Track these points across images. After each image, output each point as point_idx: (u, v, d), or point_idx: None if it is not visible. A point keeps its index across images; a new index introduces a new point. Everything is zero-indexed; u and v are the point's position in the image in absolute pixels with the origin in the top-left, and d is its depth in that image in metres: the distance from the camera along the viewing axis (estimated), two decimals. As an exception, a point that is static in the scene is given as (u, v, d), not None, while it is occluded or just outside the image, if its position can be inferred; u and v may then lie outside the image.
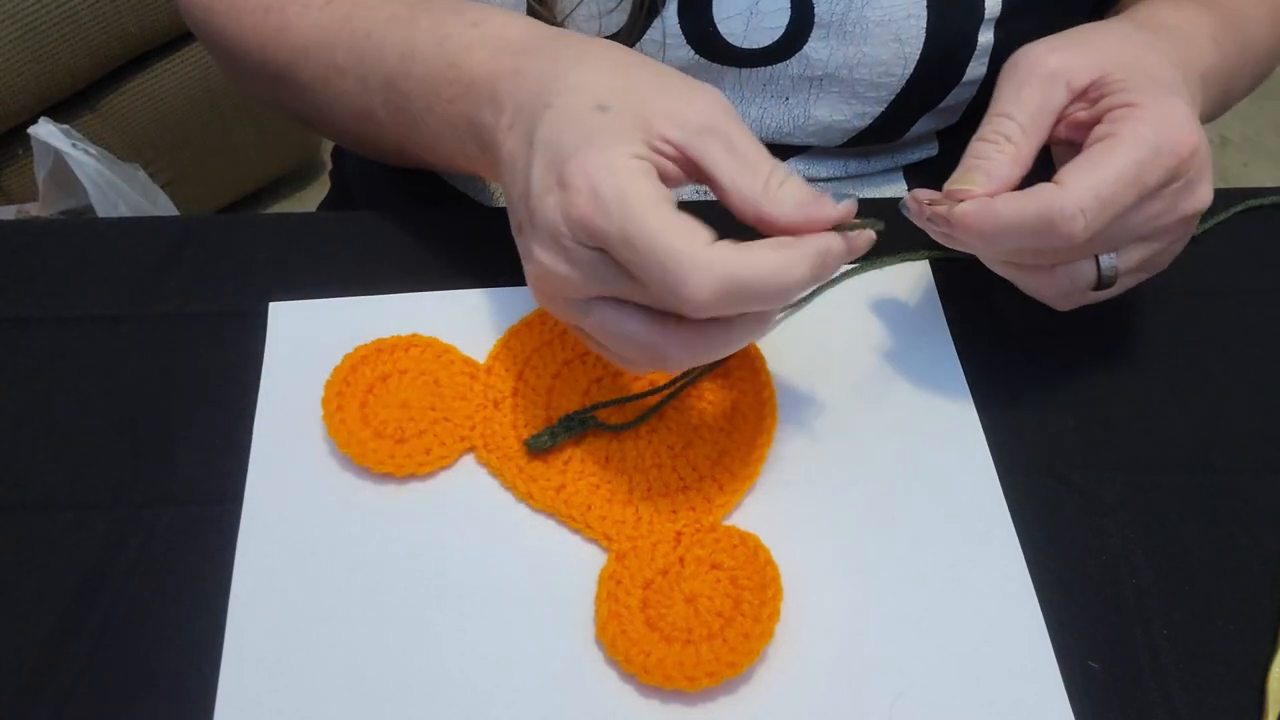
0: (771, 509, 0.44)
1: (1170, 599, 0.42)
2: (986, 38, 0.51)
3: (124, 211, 1.08)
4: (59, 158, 1.06)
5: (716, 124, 0.38)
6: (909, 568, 0.42)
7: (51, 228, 0.57)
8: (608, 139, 0.37)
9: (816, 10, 0.50)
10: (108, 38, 1.14)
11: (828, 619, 0.41)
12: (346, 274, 0.51)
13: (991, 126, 0.42)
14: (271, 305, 0.50)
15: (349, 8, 0.49)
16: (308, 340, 0.49)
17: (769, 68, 0.52)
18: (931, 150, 0.60)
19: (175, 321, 0.51)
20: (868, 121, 0.54)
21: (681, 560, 0.42)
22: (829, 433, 0.46)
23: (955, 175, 0.42)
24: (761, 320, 0.39)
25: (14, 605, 0.42)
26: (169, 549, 0.43)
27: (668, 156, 0.38)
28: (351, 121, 0.51)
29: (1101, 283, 0.43)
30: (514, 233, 0.41)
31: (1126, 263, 0.43)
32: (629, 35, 0.51)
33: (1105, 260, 0.42)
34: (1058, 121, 0.43)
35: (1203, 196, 0.42)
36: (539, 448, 0.45)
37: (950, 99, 0.54)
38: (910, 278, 0.51)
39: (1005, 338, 0.50)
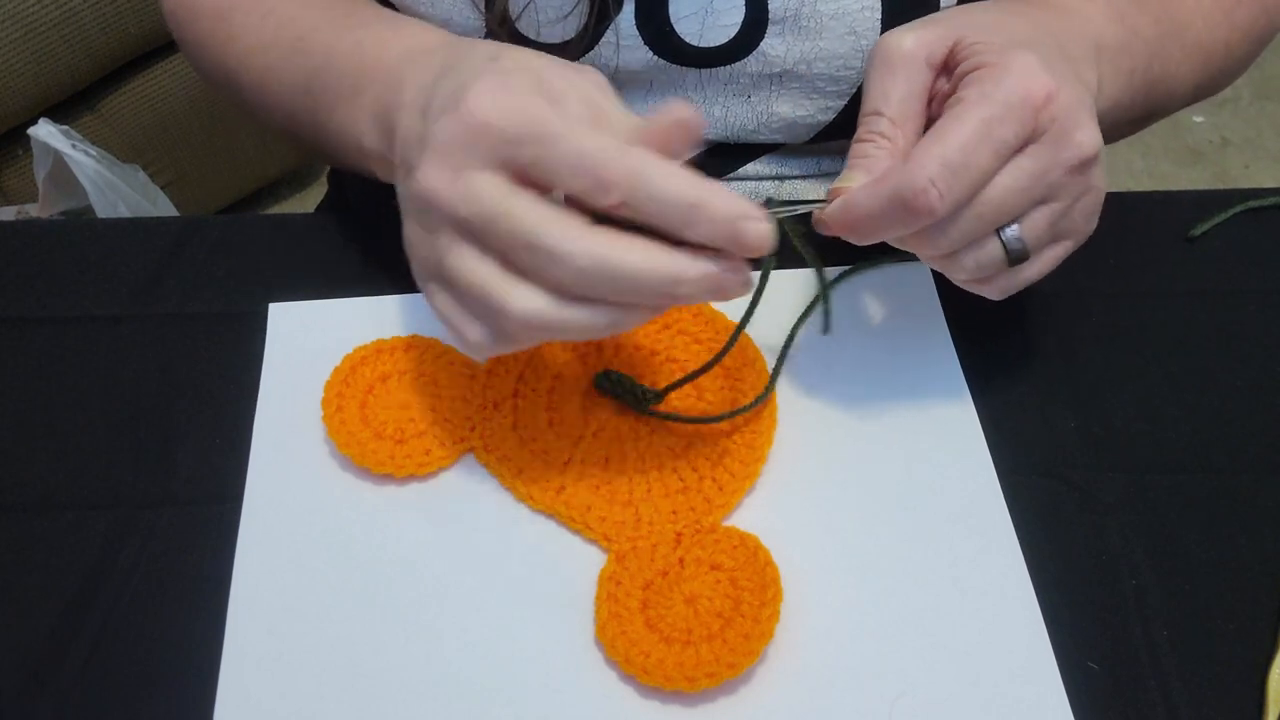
0: (771, 510, 0.44)
1: (1170, 599, 0.42)
2: None
3: (124, 212, 1.08)
4: (59, 158, 1.06)
5: (596, 95, 0.39)
6: (909, 568, 0.42)
7: (51, 228, 0.58)
8: (512, 71, 0.38)
9: (770, 6, 0.51)
10: (108, 38, 1.14)
11: (828, 620, 0.41)
12: (346, 274, 0.52)
13: (865, 127, 0.42)
14: (271, 305, 0.50)
15: (288, 17, 0.52)
16: (308, 340, 0.49)
17: (728, 67, 0.53)
18: None
19: (175, 321, 0.51)
20: (831, 116, 0.54)
21: (681, 561, 0.42)
22: (829, 433, 0.46)
23: (839, 177, 0.42)
24: (626, 313, 0.37)
25: (14, 605, 0.42)
26: (169, 549, 0.43)
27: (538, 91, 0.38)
28: (285, 124, 0.53)
29: (1011, 256, 0.41)
30: (400, 188, 0.40)
31: (1032, 230, 0.41)
32: (584, 39, 0.51)
33: (1007, 232, 0.40)
34: (932, 100, 0.42)
35: (1083, 142, 0.40)
36: (601, 387, 0.46)
37: None
38: (910, 278, 0.51)
39: (1005, 338, 0.50)
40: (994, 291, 0.43)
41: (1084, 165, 0.40)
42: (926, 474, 0.45)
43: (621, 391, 0.46)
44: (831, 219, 0.40)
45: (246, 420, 0.46)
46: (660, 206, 0.35)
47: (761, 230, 0.35)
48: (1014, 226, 0.40)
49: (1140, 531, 0.44)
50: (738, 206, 0.35)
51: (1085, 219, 0.42)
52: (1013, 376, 0.48)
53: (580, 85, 0.38)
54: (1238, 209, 0.55)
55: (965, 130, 0.38)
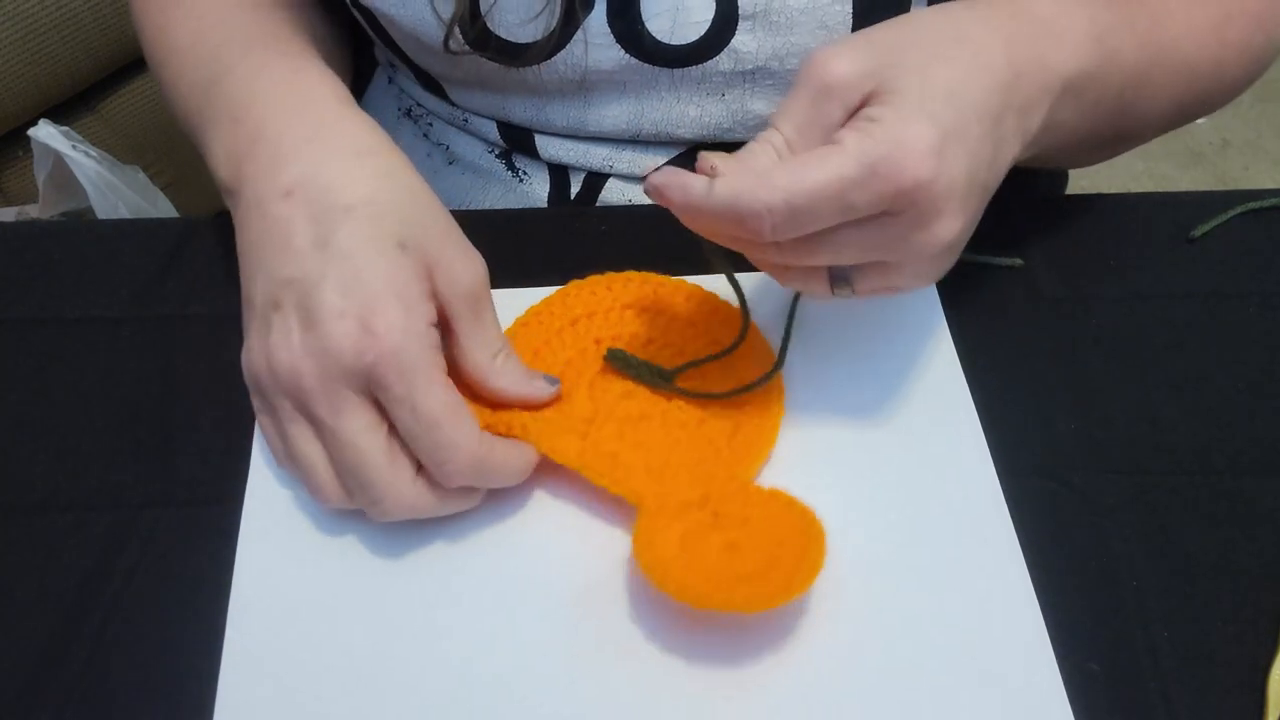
0: (771, 510, 0.44)
1: (1170, 600, 0.42)
2: None
3: (124, 213, 1.08)
4: (59, 160, 1.06)
5: (478, 293, 0.43)
6: (909, 568, 0.42)
7: (51, 229, 0.58)
8: (412, 299, 0.40)
9: (740, 2, 0.50)
10: (108, 39, 1.14)
11: (828, 619, 0.41)
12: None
13: (764, 134, 0.40)
14: (272, 306, 0.50)
15: (216, 21, 0.52)
16: (308, 341, 0.49)
17: (700, 66, 0.52)
18: None
19: (175, 322, 0.51)
20: None
21: (715, 514, 0.42)
22: (828, 433, 0.46)
23: (710, 154, 0.40)
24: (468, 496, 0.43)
25: (14, 606, 0.42)
26: (169, 549, 0.43)
27: (431, 304, 0.41)
28: (181, 122, 0.54)
29: (835, 285, 0.41)
30: (248, 299, 0.43)
31: (861, 277, 0.40)
32: (553, 40, 0.51)
33: (835, 271, 0.40)
34: (837, 127, 0.39)
35: (938, 233, 0.38)
36: (614, 364, 0.46)
37: None
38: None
39: (1005, 338, 0.50)
40: (812, 296, 0.42)
41: (938, 251, 0.39)
42: (926, 474, 0.45)
43: (638, 368, 0.46)
44: (666, 193, 0.38)
45: (246, 420, 0.46)
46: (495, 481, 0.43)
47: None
48: (844, 267, 0.40)
49: (1140, 533, 0.44)
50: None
51: (922, 282, 0.41)
52: (1013, 376, 0.48)
53: (469, 281, 0.42)
54: (1238, 210, 0.55)
55: (821, 180, 0.36)
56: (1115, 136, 0.51)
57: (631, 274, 0.50)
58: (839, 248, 0.39)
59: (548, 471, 0.44)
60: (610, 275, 0.50)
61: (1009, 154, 0.41)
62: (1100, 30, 0.45)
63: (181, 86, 0.52)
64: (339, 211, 0.41)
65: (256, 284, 0.42)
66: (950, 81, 0.39)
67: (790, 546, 0.40)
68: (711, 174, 0.38)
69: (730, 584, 0.39)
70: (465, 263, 0.42)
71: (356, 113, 0.46)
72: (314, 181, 0.42)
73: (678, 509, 0.42)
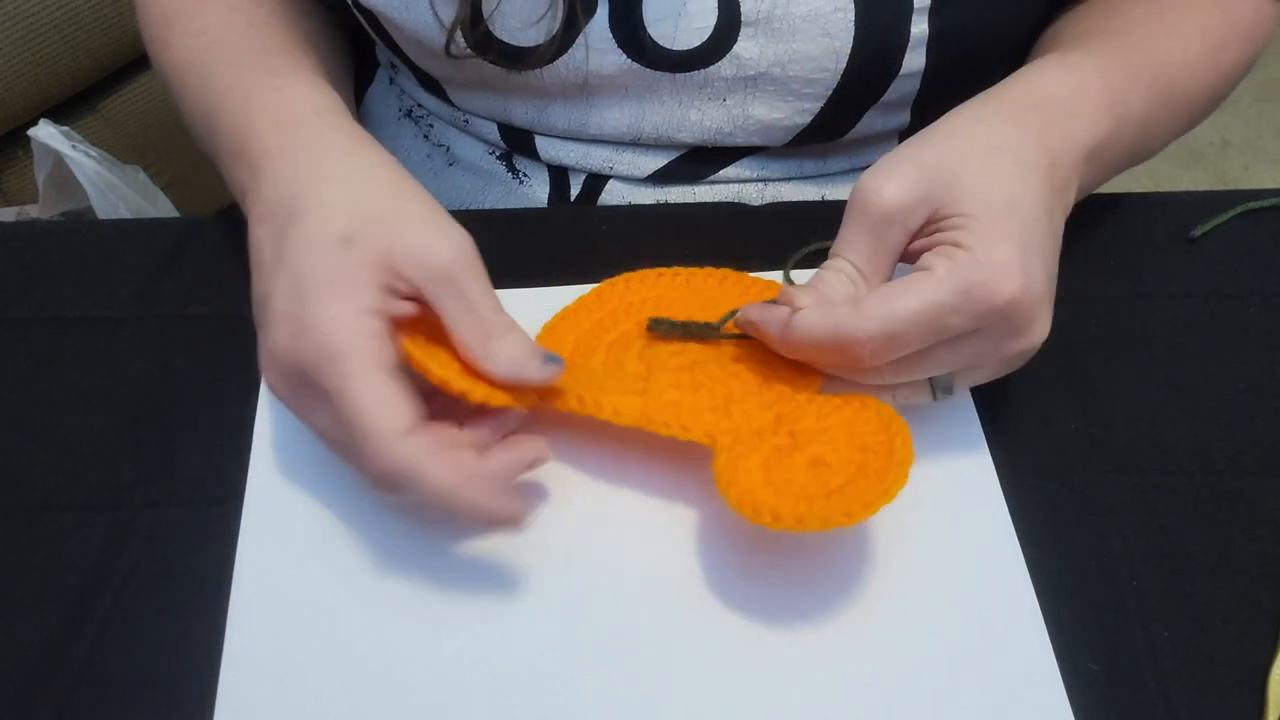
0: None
1: (1170, 600, 0.42)
2: (920, 28, 0.51)
3: (124, 213, 1.08)
4: (59, 159, 1.06)
5: (454, 272, 0.40)
6: (909, 568, 0.42)
7: (52, 229, 0.58)
8: (347, 287, 0.39)
9: (743, 9, 0.50)
10: (108, 39, 1.14)
11: (828, 620, 0.41)
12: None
13: (832, 264, 0.42)
14: (272, 306, 0.50)
15: (211, 40, 0.52)
16: (308, 341, 0.49)
17: (702, 71, 0.53)
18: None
19: (175, 322, 0.51)
20: (808, 119, 0.54)
21: (792, 434, 0.41)
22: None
23: (789, 291, 0.42)
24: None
25: (14, 606, 0.42)
26: (169, 549, 0.43)
27: (402, 295, 0.40)
28: (198, 140, 0.54)
29: (938, 395, 0.43)
30: (255, 306, 0.43)
31: (963, 381, 0.43)
32: (557, 43, 0.51)
33: (940, 380, 0.43)
34: (899, 251, 0.42)
35: (1034, 338, 0.41)
36: (658, 329, 0.46)
37: (892, 93, 0.53)
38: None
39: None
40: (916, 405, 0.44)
41: (1029, 352, 0.42)
42: (927, 474, 0.45)
43: (683, 327, 0.46)
44: (767, 329, 0.42)
45: (246, 420, 0.46)
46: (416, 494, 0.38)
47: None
48: (947, 374, 0.42)
49: (1141, 533, 0.44)
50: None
51: (1013, 369, 0.43)
52: (1013, 377, 0.48)
53: (437, 260, 0.40)
54: (1238, 210, 0.55)
55: (915, 306, 0.39)
56: (1116, 173, 0.53)
57: (662, 269, 0.50)
58: (936, 364, 0.41)
59: (549, 470, 0.44)
60: (641, 271, 0.50)
61: (1060, 234, 0.44)
62: (1113, 96, 0.47)
63: (185, 106, 0.53)
64: (291, 222, 0.42)
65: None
66: (1007, 194, 0.41)
67: (875, 449, 0.40)
68: (793, 306, 0.41)
69: (824, 500, 0.38)
70: (434, 242, 0.40)
71: (333, 119, 0.46)
72: (280, 200, 0.43)
73: (753, 438, 0.41)
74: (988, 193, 0.41)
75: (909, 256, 0.42)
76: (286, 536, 0.43)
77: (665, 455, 0.45)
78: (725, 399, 0.43)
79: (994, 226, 0.40)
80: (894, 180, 0.41)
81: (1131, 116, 0.48)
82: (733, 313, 0.45)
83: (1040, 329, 0.41)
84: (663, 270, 0.50)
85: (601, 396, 0.42)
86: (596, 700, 0.39)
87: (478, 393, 0.40)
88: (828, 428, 0.41)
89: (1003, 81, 0.46)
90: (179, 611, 0.42)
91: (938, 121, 0.45)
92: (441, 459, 0.38)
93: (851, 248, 0.42)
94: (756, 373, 0.44)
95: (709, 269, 0.50)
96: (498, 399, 0.40)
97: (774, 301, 0.42)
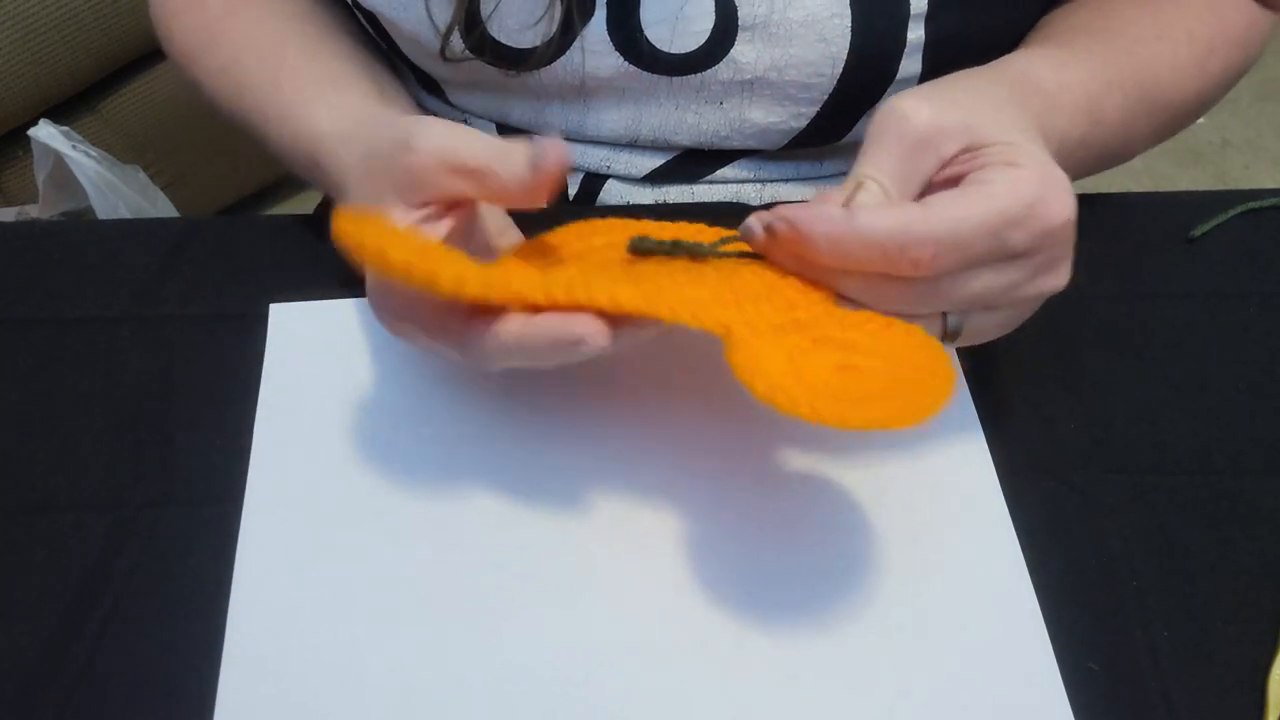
0: (770, 510, 0.44)
1: (1170, 600, 0.42)
2: (916, 34, 0.51)
3: (124, 213, 1.08)
4: (59, 159, 1.06)
5: (448, 160, 0.39)
6: (909, 568, 0.42)
7: (51, 229, 0.58)
8: (370, 186, 0.42)
9: (740, 13, 0.50)
10: (108, 39, 1.15)
11: (828, 619, 0.41)
12: (346, 274, 0.51)
13: (861, 180, 0.39)
14: (271, 306, 0.50)
15: (236, 26, 0.55)
16: (308, 341, 0.49)
17: (699, 75, 0.53)
18: None
19: (175, 322, 0.51)
20: (804, 123, 0.54)
21: (814, 340, 0.37)
22: (828, 434, 0.46)
23: (838, 189, 0.39)
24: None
25: (14, 607, 0.42)
26: (169, 549, 0.43)
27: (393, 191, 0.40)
28: (231, 120, 0.56)
29: (949, 335, 0.40)
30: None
31: (972, 326, 0.40)
32: (554, 45, 0.51)
33: (952, 321, 0.39)
34: (930, 177, 0.39)
35: (1061, 278, 0.39)
36: (643, 246, 0.41)
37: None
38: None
39: (1005, 338, 0.50)
40: None
41: (1052, 292, 0.40)
42: (926, 474, 0.45)
43: (672, 246, 0.41)
44: (815, 226, 0.36)
45: (246, 420, 0.46)
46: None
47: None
48: (959, 318, 0.40)
49: (1141, 533, 0.44)
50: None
51: (1013, 327, 0.41)
52: (1013, 376, 0.48)
53: (422, 158, 0.39)
54: (1238, 210, 0.55)
55: (984, 214, 0.36)
56: (1085, 175, 0.52)
57: (629, 219, 0.45)
58: (974, 295, 0.38)
59: (549, 470, 0.44)
60: (607, 219, 0.45)
61: None
62: (1091, 102, 0.46)
63: (221, 102, 0.56)
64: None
65: None
66: (1027, 138, 0.40)
67: (911, 360, 0.36)
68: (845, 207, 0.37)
69: (864, 403, 0.34)
70: (432, 125, 0.39)
71: (347, 91, 0.50)
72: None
73: (772, 332, 0.36)
74: (1023, 131, 0.40)
75: (930, 189, 0.40)
76: (286, 536, 0.43)
77: (669, 450, 0.45)
78: (732, 297, 0.37)
79: (1041, 154, 0.38)
80: (926, 105, 0.39)
81: (1108, 122, 0.48)
82: (731, 236, 0.40)
83: (1068, 270, 0.39)
84: (629, 220, 0.45)
85: (603, 284, 0.35)
86: (597, 700, 0.39)
87: (445, 277, 0.35)
88: (854, 340, 0.37)
89: (997, 60, 0.45)
90: (179, 611, 0.42)
91: (947, 76, 0.43)
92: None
93: (879, 167, 0.39)
94: (763, 280, 0.39)
95: (682, 223, 0.45)
96: (470, 288, 0.35)
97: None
